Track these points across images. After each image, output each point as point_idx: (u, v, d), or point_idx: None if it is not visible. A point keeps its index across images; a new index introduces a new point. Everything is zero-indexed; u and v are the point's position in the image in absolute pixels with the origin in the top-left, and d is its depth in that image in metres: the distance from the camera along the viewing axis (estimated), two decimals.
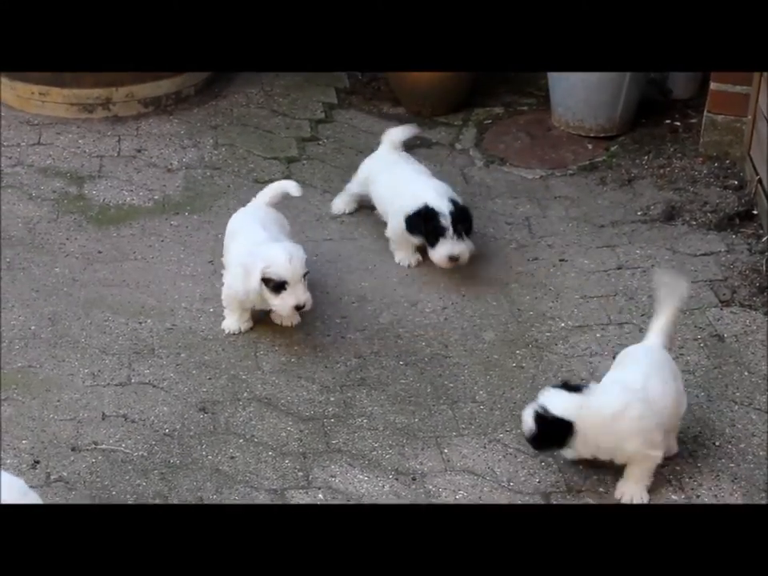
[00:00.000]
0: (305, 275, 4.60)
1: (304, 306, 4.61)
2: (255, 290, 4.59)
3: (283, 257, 4.56)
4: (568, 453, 4.20)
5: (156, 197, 5.66)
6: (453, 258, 4.97)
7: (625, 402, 4.01)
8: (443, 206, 4.98)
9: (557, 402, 4.00)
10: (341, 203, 5.56)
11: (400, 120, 6.30)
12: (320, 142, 6.12)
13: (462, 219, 4.99)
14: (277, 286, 4.57)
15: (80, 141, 6.04)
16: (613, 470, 4.18)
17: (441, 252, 4.97)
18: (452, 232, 4.94)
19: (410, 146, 6.09)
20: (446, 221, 4.95)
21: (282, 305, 4.59)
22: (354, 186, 5.52)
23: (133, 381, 4.59)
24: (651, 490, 4.13)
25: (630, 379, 4.09)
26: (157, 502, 4.06)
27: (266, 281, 4.58)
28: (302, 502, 4.09)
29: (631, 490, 4.11)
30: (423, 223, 5.00)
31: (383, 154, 5.48)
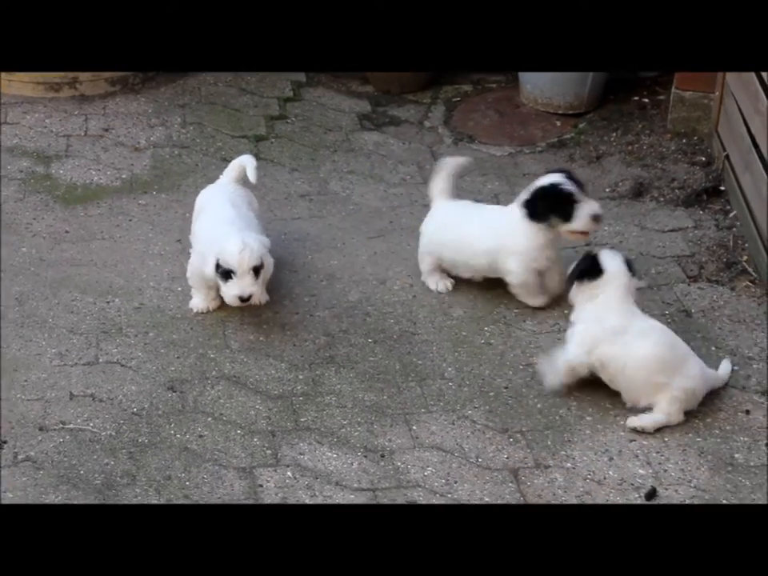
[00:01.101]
0: (256, 268, 4.56)
1: (248, 299, 4.59)
2: (211, 274, 4.59)
3: (235, 247, 4.52)
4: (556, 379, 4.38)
5: (123, 176, 5.64)
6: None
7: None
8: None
9: None
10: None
11: (369, 98, 6.30)
12: (288, 121, 6.10)
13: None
14: (225, 274, 4.56)
15: (47, 120, 6.01)
16: (579, 447, 4.20)
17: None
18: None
19: (379, 124, 6.10)
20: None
21: (227, 293, 4.59)
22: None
23: (101, 360, 4.57)
24: (618, 467, 4.15)
25: None
26: (125, 481, 4.05)
27: (217, 267, 4.57)
28: (270, 480, 4.09)
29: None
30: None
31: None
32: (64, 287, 4.92)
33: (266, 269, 4.63)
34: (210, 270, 4.60)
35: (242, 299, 4.59)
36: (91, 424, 4.30)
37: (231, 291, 4.58)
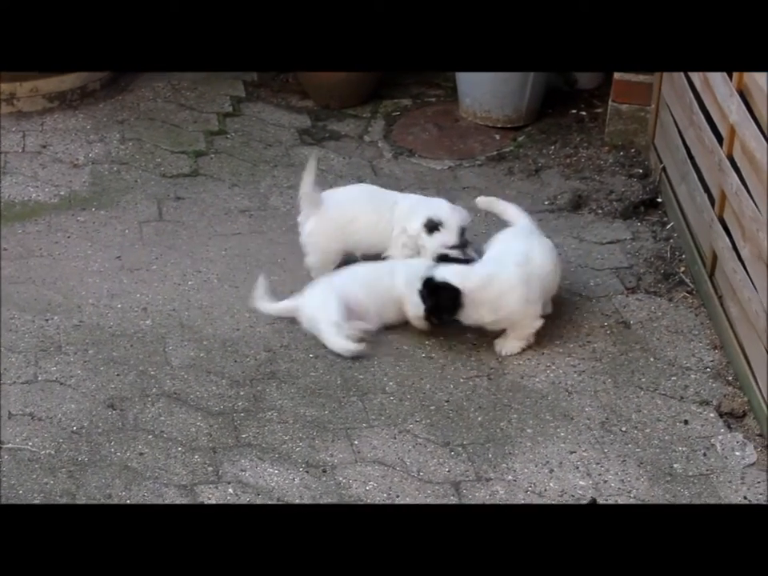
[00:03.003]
0: (462, 229, 4.96)
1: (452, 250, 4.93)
2: (415, 230, 4.97)
3: (448, 206, 5.02)
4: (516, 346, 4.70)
5: (62, 192, 5.61)
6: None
7: (512, 269, 4.62)
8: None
9: (444, 272, 4.61)
10: None
11: (309, 113, 6.30)
12: (228, 136, 6.10)
13: None
14: (432, 228, 4.95)
15: None
16: (520, 459, 4.23)
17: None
18: None
19: (319, 139, 6.11)
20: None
21: (430, 243, 4.94)
22: None
23: (40, 378, 4.54)
24: (559, 478, 4.18)
25: (514, 250, 4.69)
26: (64, 500, 4.03)
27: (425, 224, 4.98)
28: (211, 497, 4.07)
29: (509, 344, 4.69)
30: None
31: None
32: (2, 305, 4.88)
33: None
34: (417, 225, 4.88)
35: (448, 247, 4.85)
36: (30, 443, 4.26)
37: (436, 241, 4.86)
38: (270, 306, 4.82)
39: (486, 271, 4.64)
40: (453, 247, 4.89)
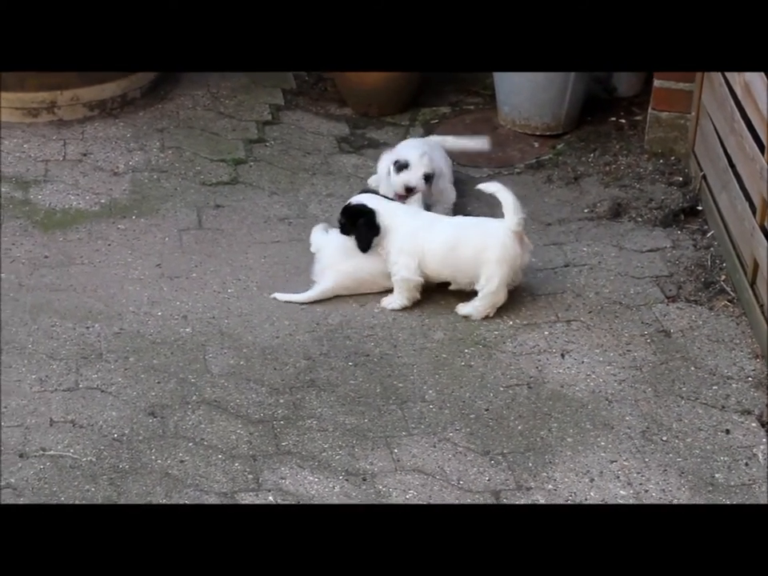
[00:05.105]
0: (428, 176, 5.29)
1: (412, 190, 5.24)
2: (384, 170, 5.43)
3: (416, 150, 5.36)
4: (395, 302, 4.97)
5: (102, 200, 5.64)
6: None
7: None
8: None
9: (360, 198, 5.02)
10: None
11: (347, 121, 6.31)
12: (267, 144, 6.11)
13: None
14: (400, 167, 5.27)
15: (25, 145, 6.00)
16: (560, 469, 4.22)
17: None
18: None
19: (357, 147, 6.12)
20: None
21: (396, 181, 5.26)
22: None
23: (81, 386, 4.56)
24: (599, 488, 4.16)
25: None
26: None
27: (395, 163, 5.32)
28: (252, 504, 4.08)
29: (470, 307, 4.94)
30: None
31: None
32: (43, 313, 4.91)
33: (437, 181, 5.35)
34: (387, 162, 5.32)
35: (408, 188, 5.20)
36: (72, 450, 4.29)
37: (401, 179, 5.21)
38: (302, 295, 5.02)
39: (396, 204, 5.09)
40: (412, 189, 5.24)
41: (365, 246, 4.95)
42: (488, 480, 4.21)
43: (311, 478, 4.20)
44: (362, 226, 4.95)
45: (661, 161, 5.87)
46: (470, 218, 5.15)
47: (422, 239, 4.94)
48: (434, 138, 5.82)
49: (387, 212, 4.99)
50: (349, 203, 5.03)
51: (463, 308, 4.95)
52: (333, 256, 5.06)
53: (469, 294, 4.95)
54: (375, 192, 5.22)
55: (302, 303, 4.97)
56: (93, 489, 4.12)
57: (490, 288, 4.88)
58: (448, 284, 5.00)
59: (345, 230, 5.00)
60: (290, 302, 4.98)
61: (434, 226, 4.99)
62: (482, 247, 4.88)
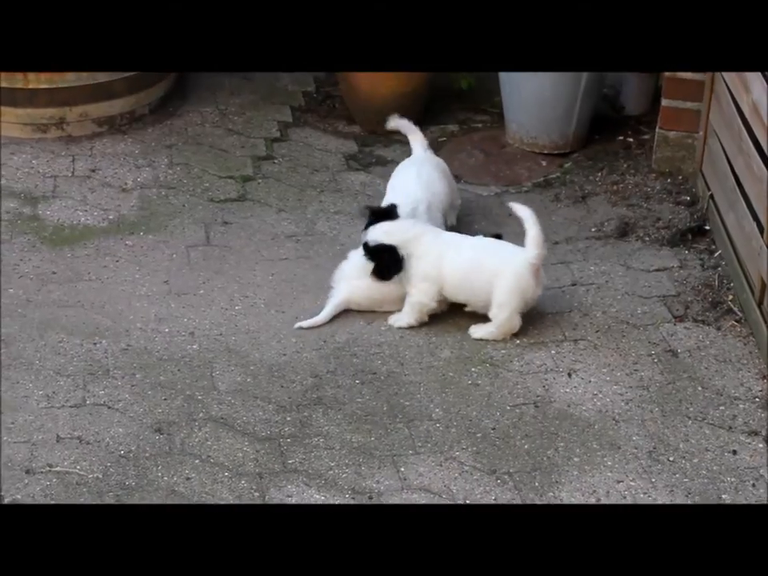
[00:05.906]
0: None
1: None
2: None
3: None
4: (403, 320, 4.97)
5: (111, 217, 5.65)
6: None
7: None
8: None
9: (373, 235, 4.94)
10: None
11: (355, 138, 6.32)
12: (275, 161, 6.12)
13: None
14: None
15: (34, 161, 6.01)
16: (567, 488, 4.21)
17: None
18: None
19: (365, 164, 6.12)
20: None
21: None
22: None
23: (88, 402, 4.57)
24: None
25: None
26: None
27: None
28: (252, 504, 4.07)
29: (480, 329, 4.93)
30: None
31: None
32: (51, 329, 4.92)
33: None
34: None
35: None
36: (78, 467, 4.29)
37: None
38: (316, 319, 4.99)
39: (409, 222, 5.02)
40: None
41: (388, 279, 4.95)
42: (494, 499, 4.20)
43: (317, 496, 4.19)
44: (384, 265, 4.91)
45: (668, 180, 5.88)
46: (492, 240, 5.02)
47: (444, 262, 4.91)
48: (434, 159, 5.61)
49: (408, 241, 4.92)
50: (366, 242, 4.95)
51: (476, 331, 4.93)
52: (351, 270, 5.06)
53: (481, 316, 4.95)
54: (393, 210, 5.10)
55: (324, 324, 4.96)
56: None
57: (502, 317, 4.87)
58: (464, 305, 5.00)
59: (375, 268, 4.96)
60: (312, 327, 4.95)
61: (456, 247, 4.94)
62: (497, 273, 4.86)
